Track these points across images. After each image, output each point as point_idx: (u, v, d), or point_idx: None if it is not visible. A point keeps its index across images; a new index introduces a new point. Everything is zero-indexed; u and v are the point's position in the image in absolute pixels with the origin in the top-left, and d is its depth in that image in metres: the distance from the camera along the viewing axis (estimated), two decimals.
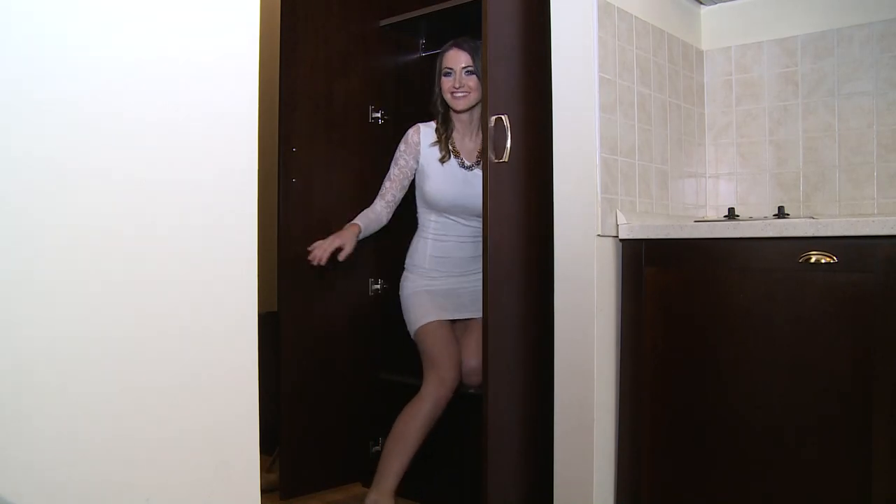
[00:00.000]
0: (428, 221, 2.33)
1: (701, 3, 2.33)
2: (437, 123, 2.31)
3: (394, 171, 2.31)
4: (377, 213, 2.30)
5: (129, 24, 1.03)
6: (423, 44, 2.75)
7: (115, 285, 1.01)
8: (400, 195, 2.33)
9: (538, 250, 1.97)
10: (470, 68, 2.21)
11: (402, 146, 2.31)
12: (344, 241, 2.18)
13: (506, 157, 1.80)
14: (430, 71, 2.58)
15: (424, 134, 2.30)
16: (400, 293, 2.34)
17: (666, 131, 2.15)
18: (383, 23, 2.60)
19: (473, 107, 2.27)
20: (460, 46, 2.23)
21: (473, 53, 2.22)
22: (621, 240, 1.89)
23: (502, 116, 1.80)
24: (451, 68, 2.23)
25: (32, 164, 0.93)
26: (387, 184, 2.32)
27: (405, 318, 2.30)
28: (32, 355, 0.92)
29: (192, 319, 1.10)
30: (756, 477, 1.68)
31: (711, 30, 2.37)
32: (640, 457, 1.86)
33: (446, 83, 2.24)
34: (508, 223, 1.88)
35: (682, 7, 2.27)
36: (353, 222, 2.25)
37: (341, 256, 2.18)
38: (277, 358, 2.30)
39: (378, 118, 2.56)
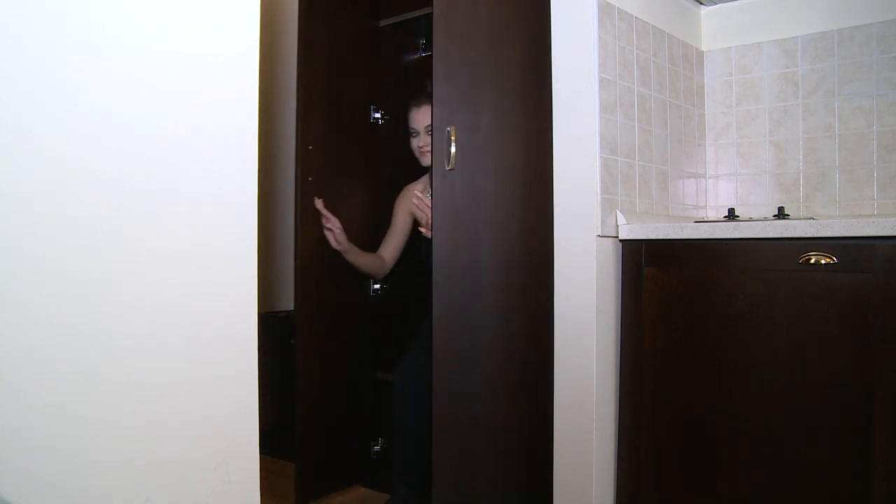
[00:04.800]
0: None
1: (701, 3, 2.33)
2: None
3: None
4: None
5: (127, 27, 1.03)
6: (423, 44, 2.75)
7: (115, 286, 1.01)
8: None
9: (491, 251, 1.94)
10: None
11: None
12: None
13: (453, 165, 1.79)
14: (431, 70, 2.57)
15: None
16: None
17: (666, 132, 2.15)
18: (383, 23, 2.60)
19: None
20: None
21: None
22: (621, 240, 1.89)
23: (450, 128, 1.78)
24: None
25: (36, 165, 0.93)
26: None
27: None
28: (32, 356, 0.92)
29: (192, 320, 1.10)
30: (756, 477, 1.68)
31: (711, 30, 2.37)
32: (640, 457, 1.85)
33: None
34: (454, 225, 1.83)
35: (682, 7, 2.28)
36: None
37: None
38: (290, 360, 2.28)
39: (378, 119, 2.56)
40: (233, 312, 1.16)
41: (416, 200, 2.15)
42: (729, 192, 2.36)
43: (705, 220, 2.22)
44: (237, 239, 1.17)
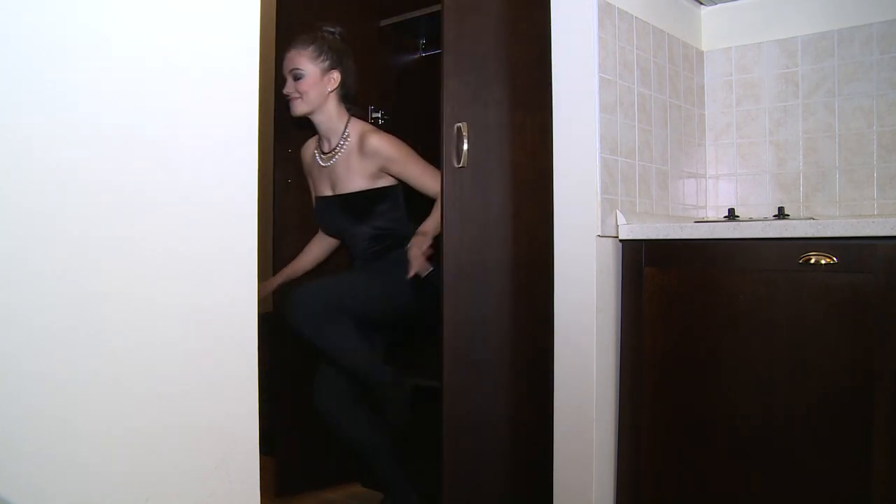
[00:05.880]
0: None
1: (701, 3, 2.33)
2: None
3: None
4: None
5: (128, 27, 1.03)
6: (423, 44, 2.75)
7: (115, 286, 1.01)
8: None
9: (511, 249, 1.95)
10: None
11: None
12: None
13: (464, 163, 1.78)
14: (430, 71, 2.58)
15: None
16: None
17: (666, 132, 2.15)
18: (383, 23, 2.59)
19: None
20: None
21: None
22: (621, 240, 1.89)
23: (461, 125, 1.77)
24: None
25: (36, 165, 0.93)
26: None
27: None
28: (33, 356, 0.92)
29: (192, 320, 1.10)
30: (756, 477, 1.68)
31: (711, 30, 2.37)
32: (640, 457, 1.86)
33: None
34: (462, 225, 1.82)
35: (682, 7, 2.28)
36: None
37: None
38: (272, 357, 2.31)
39: (378, 118, 2.56)
40: (233, 312, 1.16)
41: (416, 252, 1.98)
42: (729, 192, 2.36)
43: (705, 220, 2.22)
44: (237, 240, 1.17)
